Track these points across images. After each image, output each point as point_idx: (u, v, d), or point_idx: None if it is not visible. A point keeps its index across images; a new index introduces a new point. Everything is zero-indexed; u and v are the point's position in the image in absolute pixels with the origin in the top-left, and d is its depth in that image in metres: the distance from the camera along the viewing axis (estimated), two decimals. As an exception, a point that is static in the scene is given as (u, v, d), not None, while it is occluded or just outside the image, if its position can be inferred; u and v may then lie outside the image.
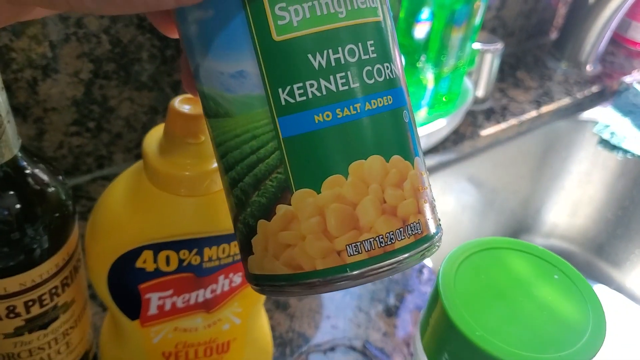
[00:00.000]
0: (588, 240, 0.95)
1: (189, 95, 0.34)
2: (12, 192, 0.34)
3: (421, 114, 0.72)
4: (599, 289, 0.91)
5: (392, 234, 0.24)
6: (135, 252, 0.35)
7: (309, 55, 0.22)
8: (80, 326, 0.41)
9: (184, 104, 0.33)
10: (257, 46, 0.22)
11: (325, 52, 0.22)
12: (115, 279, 0.36)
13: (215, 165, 0.34)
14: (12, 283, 0.34)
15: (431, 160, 0.73)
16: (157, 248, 0.35)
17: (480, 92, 0.79)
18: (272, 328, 0.52)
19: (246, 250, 0.25)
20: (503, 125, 0.78)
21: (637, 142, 0.84)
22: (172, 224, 0.34)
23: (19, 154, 0.34)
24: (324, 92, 0.23)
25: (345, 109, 0.23)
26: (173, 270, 0.36)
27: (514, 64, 0.91)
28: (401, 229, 0.24)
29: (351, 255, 0.23)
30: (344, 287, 0.24)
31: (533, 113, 0.81)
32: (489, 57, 0.76)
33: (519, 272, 0.33)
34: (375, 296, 0.56)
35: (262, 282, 0.25)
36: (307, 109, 0.23)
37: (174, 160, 0.34)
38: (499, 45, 0.77)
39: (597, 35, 0.88)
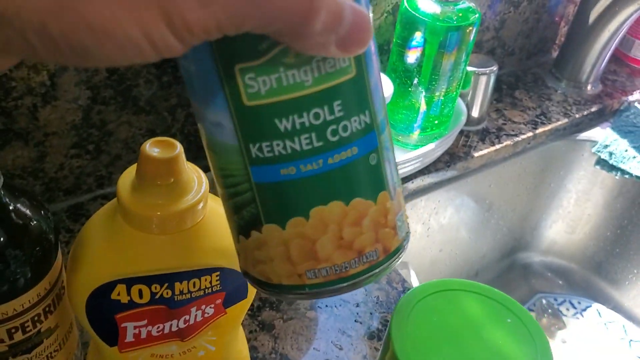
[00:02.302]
0: (586, 258, 0.96)
1: (159, 138, 0.36)
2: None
3: (413, 137, 0.74)
4: (597, 308, 0.92)
5: (347, 263, 0.28)
6: (110, 286, 0.37)
7: (276, 120, 0.25)
8: (66, 348, 0.43)
9: (154, 147, 0.35)
10: (231, 107, 0.25)
11: (290, 117, 0.25)
12: (93, 309, 0.38)
13: (183, 205, 0.36)
14: (-5, 312, 0.37)
15: (424, 182, 0.74)
16: (129, 282, 0.37)
17: (476, 113, 0.80)
18: (256, 349, 0.54)
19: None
20: (497, 146, 0.79)
21: (636, 163, 0.85)
22: (143, 260, 0.36)
23: (1, 192, 0.36)
24: (289, 151, 0.25)
25: (308, 165, 0.26)
26: (146, 302, 0.38)
27: (513, 83, 0.92)
28: (356, 259, 0.28)
29: (310, 278, 0.28)
30: (305, 299, 0.28)
31: (529, 134, 0.82)
32: (484, 79, 0.78)
33: (472, 315, 0.35)
34: (359, 319, 0.58)
35: (246, 277, 0.31)
36: (273, 163, 0.26)
37: (146, 200, 0.36)
38: (494, 68, 0.78)
39: (597, 55, 0.88)
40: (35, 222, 0.38)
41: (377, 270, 0.28)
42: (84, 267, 0.38)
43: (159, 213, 0.36)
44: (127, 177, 0.37)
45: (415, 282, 0.71)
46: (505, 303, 0.35)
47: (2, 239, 0.36)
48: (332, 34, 0.22)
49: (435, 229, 0.82)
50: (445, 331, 0.33)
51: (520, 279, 0.96)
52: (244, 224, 0.28)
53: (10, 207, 0.37)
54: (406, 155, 0.71)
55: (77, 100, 0.59)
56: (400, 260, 0.29)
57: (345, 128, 0.26)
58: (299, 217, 0.27)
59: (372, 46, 0.26)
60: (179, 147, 0.36)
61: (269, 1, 0.20)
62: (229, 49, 0.23)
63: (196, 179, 0.37)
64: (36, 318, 0.39)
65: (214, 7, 0.19)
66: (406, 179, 0.73)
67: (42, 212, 0.39)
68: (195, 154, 0.70)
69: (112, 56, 0.20)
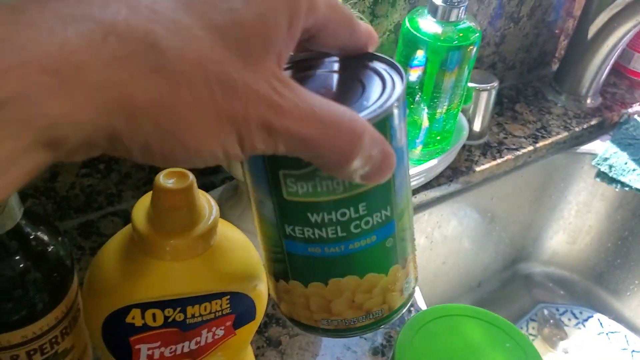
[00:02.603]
0: (588, 269, 0.97)
1: (172, 170, 0.37)
2: (15, 254, 0.38)
3: (416, 152, 0.75)
4: (599, 318, 0.93)
5: (356, 319, 0.34)
6: (125, 310, 0.38)
7: (308, 213, 0.30)
8: (81, 367, 0.45)
9: (168, 178, 0.37)
10: (273, 196, 0.30)
11: (320, 213, 0.30)
12: (109, 332, 0.40)
13: (196, 233, 0.37)
14: (15, 336, 0.38)
15: (427, 196, 0.76)
16: (144, 307, 0.38)
17: (477, 128, 0.82)
18: (263, 365, 0.55)
19: None
20: (499, 161, 0.81)
21: (635, 176, 0.86)
22: (157, 286, 0.38)
23: (22, 221, 0.38)
24: (317, 237, 0.30)
25: (332, 248, 0.31)
26: (159, 325, 0.39)
27: (514, 96, 0.94)
28: (364, 316, 0.34)
29: (323, 325, 0.34)
30: (319, 336, 0.36)
31: (529, 148, 0.84)
32: (484, 94, 0.79)
33: (473, 340, 0.36)
34: (364, 335, 0.59)
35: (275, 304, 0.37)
36: (303, 242, 0.31)
37: (160, 229, 0.37)
38: (495, 84, 0.79)
39: (596, 69, 0.90)
40: (52, 248, 0.40)
41: (381, 324, 0.34)
42: (100, 293, 0.39)
43: (172, 241, 0.37)
44: (142, 205, 0.39)
45: (418, 295, 0.73)
46: (504, 328, 0.37)
47: (22, 265, 0.38)
48: (360, 171, 0.26)
49: (439, 242, 0.83)
50: (447, 356, 0.34)
51: (522, 289, 0.97)
52: (276, 273, 0.34)
53: (31, 236, 0.38)
54: (410, 171, 0.72)
55: (88, 122, 0.60)
56: (401, 314, 0.35)
57: (367, 222, 0.30)
58: (319, 282, 0.32)
59: (404, 146, 0.30)
60: (191, 177, 0.37)
61: (318, 142, 0.24)
62: (276, 159, 0.28)
63: (207, 206, 0.39)
64: (54, 340, 0.40)
65: (277, 139, 0.24)
66: (409, 193, 0.74)
67: (59, 238, 0.41)
68: (203, 170, 0.72)
69: (194, 164, 0.24)
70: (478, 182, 0.81)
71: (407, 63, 0.71)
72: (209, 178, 0.72)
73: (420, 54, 0.69)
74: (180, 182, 0.37)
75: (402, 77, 0.29)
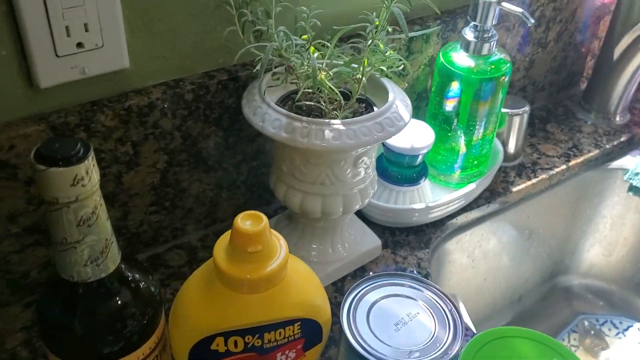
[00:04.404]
0: (626, 280, 1.00)
1: (249, 213, 0.43)
2: (117, 293, 0.43)
3: (455, 177, 0.80)
4: (638, 327, 0.96)
5: None
6: (210, 339, 0.44)
7: None
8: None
9: (245, 220, 0.42)
10: None
11: None
12: (195, 358, 0.45)
13: (270, 268, 0.43)
14: (118, 364, 0.44)
15: (467, 217, 0.80)
16: (227, 335, 0.44)
17: (512, 150, 0.86)
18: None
19: None
20: (533, 180, 0.85)
21: (667, 188, 0.90)
22: (238, 316, 0.44)
23: (122, 266, 0.43)
24: None
25: None
26: (240, 350, 0.45)
27: (545, 117, 0.98)
28: None
29: None
30: None
31: (562, 167, 0.88)
32: (517, 119, 0.84)
33: (525, 358, 0.41)
34: None
35: None
36: None
37: (238, 265, 0.43)
38: (527, 108, 0.84)
39: (623, 88, 0.94)
40: (145, 286, 0.45)
41: None
42: (185, 324, 0.45)
43: (249, 276, 0.43)
44: (221, 243, 0.45)
45: (464, 312, 0.77)
46: (552, 345, 0.41)
47: (120, 302, 0.44)
48: None
49: (480, 260, 0.88)
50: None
51: (562, 302, 1.01)
52: None
53: (128, 276, 0.44)
54: (450, 196, 0.77)
55: (155, 165, 0.67)
56: None
57: None
58: None
59: None
60: (265, 220, 0.43)
61: None
62: None
63: (278, 244, 0.44)
64: (148, 367, 0.46)
65: None
66: (451, 216, 0.79)
67: (150, 276, 0.46)
68: (257, 202, 0.77)
69: None
70: (515, 202, 0.85)
71: (443, 94, 0.76)
72: (263, 209, 0.78)
73: (455, 86, 0.74)
74: (256, 224, 0.42)
75: None
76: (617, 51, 0.91)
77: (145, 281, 0.46)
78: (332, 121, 0.57)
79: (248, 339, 0.44)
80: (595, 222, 0.98)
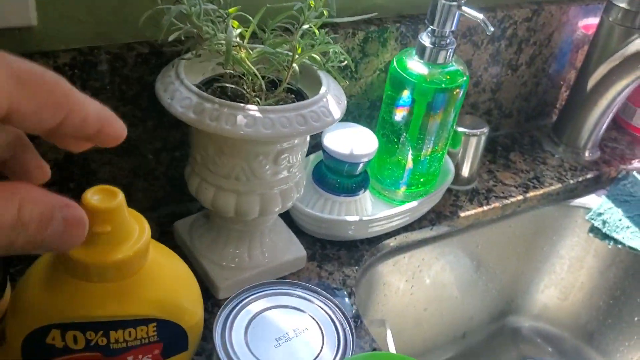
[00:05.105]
0: (579, 327, 0.94)
1: (102, 187, 0.36)
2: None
3: (399, 193, 0.74)
4: (585, 379, 0.90)
5: None
6: (44, 330, 0.37)
7: None
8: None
9: (94, 195, 0.36)
10: None
11: None
12: (29, 352, 0.38)
13: (120, 254, 0.36)
14: None
15: (407, 238, 0.74)
16: (64, 327, 0.37)
17: (465, 173, 0.80)
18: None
19: None
20: (485, 208, 0.79)
21: (629, 233, 0.83)
22: (77, 306, 0.37)
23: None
24: None
25: None
26: (81, 348, 0.38)
27: (509, 144, 0.92)
28: None
29: None
30: None
31: (519, 197, 0.82)
32: (474, 140, 0.78)
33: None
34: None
35: None
36: None
37: (81, 248, 0.36)
38: (485, 130, 0.78)
39: (595, 122, 0.88)
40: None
41: None
42: (21, 311, 0.38)
43: (89, 261, 0.36)
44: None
45: (390, 342, 0.70)
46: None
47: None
48: None
49: (420, 287, 0.81)
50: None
51: (509, 344, 0.94)
52: None
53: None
54: (391, 211, 0.71)
55: (60, 139, 0.60)
56: None
57: None
58: None
59: None
60: (120, 197, 0.36)
61: None
62: None
63: (138, 229, 0.38)
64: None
65: None
66: (389, 234, 0.72)
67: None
68: (179, 197, 0.71)
69: None
70: (463, 228, 0.79)
71: (393, 103, 0.70)
72: (185, 205, 0.71)
73: (405, 94, 0.69)
74: (108, 200, 0.36)
75: None
76: (592, 82, 0.85)
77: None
78: (249, 106, 0.51)
79: (90, 335, 0.37)
80: (552, 262, 0.92)
